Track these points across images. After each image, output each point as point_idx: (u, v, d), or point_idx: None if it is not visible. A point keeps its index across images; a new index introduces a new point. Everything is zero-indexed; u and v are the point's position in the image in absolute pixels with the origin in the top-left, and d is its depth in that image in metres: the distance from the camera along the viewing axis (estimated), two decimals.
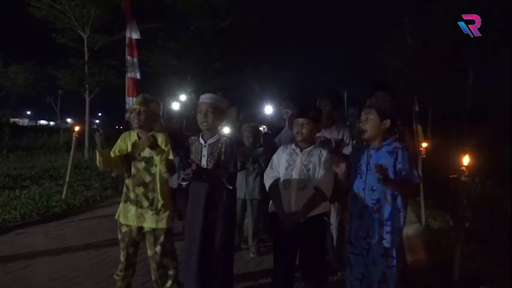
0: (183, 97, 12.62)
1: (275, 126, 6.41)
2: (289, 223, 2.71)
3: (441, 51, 12.42)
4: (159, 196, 2.97)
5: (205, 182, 2.86)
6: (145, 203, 2.98)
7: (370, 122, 2.61)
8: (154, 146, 2.87)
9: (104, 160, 2.99)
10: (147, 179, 2.99)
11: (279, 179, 2.87)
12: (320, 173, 2.75)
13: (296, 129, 2.85)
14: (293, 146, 2.91)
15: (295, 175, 2.78)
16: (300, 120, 2.84)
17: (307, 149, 2.83)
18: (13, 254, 4.25)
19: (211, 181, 2.86)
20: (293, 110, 5.40)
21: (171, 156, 2.99)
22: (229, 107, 5.48)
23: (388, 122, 2.59)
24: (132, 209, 3.01)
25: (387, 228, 2.52)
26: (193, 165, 2.74)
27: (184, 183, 3.00)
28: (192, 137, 3.08)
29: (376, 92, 3.60)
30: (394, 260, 2.54)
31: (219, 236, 2.85)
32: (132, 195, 3.02)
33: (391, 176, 2.50)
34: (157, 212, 2.98)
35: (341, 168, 2.64)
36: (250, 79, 16.30)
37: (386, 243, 2.52)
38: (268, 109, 9.35)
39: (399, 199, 2.54)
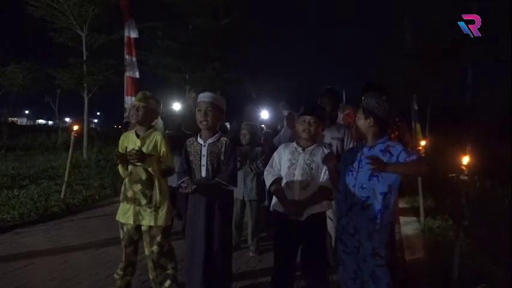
0: (182, 96, 12.62)
1: (274, 127, 6.41)
2: (295, 211, 2.71)
3: (441, 50, 12.43)
4: (157, 192, 2.97)
5: (206, 195, 2.89)
6: (143, 201, 2.98)
7: (358, 121, 2.72)
8: (142, 159, 2.86)
9: (126, 171, 3.03)
10: (144, 176, 2.98)
11: (280, 177, 2.87)
12: (323, 172, 2.75)
13: (303, 127, 2.83)
14: (295, 144, 2.90)
15: (297, 174, 2.77)
16: (307, 118, 2.82)
17: (310, 148, 2.83)
18: (12, 254, 4.23)
19: (212, 192, 2.90)
20: (290, 111, 5.41)
21: (167, 160, 2.99)
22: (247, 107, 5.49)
23: (371, 120, 2.65)
24: (130, 207, 3.00)
25: (376, 226, 2.54)
26: (193, 186, 2.81)
27: (183, 187, 3.00)
28: (190, 138, 3.08)
29: (365, 93, 3.66)
30: (383, 260, 2.53)
31: (220, 236, 2.86)
32: (129, 194, 3.02)
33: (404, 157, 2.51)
34: (155, 209, 2.97)
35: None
36: (249, 79, 16.29)
37: (374, 242, 2.54)
38: (265, 114, 9.27)
39: (389, 197, 2.56)
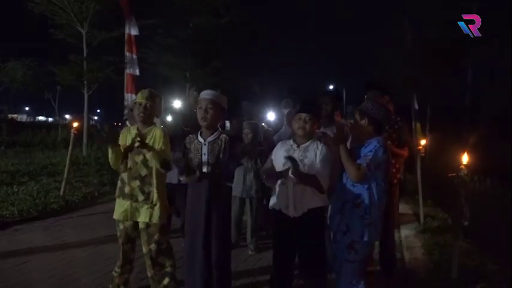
0: (182, 94, 12.59)
1: (279, 128, 6.41)
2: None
3: (441, 50, 12.42)
4: (155, 190, 2.96)
5: (206, 182, 2.86)
6: (141, 197, 2.98)
7: (354, 122, 2.84)
8: (143, 142, 2.87)
9: (116, 157, 2.99)
10: (144, 172, 2.98)
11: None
12: (316, 166, 2.74)
13: (298, 124, 2.83)
14: (291, 141, 2.91)
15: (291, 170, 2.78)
16: (303, 115, 2.83)
17: (304, 145, 2.83)
18: (11, 250, 4.23)
19: (212, 181, 2.87)
20: (290, 109, 5.40)
21: (166, 153, 2.99)
22: (245, 104, 5.48)
23: (366, 121, 2.73)
24: (127, 203, 3.00)
25: (366, 222, 2.60)
26: (197, 172, 2.78)
27: (183, 179, 2.99)
28: (190, 135, 3.07)
29: (368, 92, 3.68)
30: (357, 255, 2.57)
31: (220, 234, 2.86)
32: (127, 189, 3.01)
33: (359, 159, 2.63)
34: (152, 206, 2.97)
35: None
36: (250, 77, 16.30)
37: (366, 237, 2.59)
38: (271, 115, 9.30)
39: (375, 193, 2.61)
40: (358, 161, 2.61)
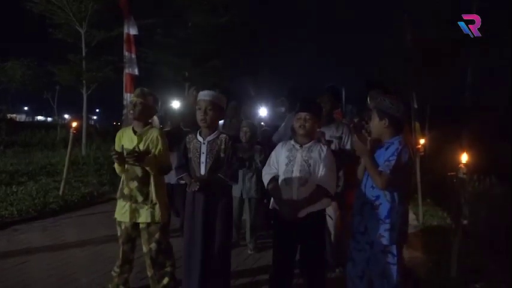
0: (181, 93, 12.58)
1: (273, 124, 6.40)
2: (290, 213, 2.70)
3: (441, 50, 12.43)
4: (153, 189, 2.96)
5: (209, 189, 2.86)
6: (140, 198, 2.97)
7: (372, 122, 2.71)
8: (140, 160, 2.86)
9: (122, 168, 3.01)
10: (140, 173, 2.96)
11: (277, 175, 2.86)
12: (321, 169, 2.74)
13: (299, 124, 2.83)
14: (292, 142, 2.90)
15: (295, 171, 2.77)
16: (303, 114, 2.83)
17: (307, 145, 2.83)
18: (10, 250, 4.22)
19: (214, 188, 2.87)
20: (287, 108, 5.40)
21: (164, 157, 2.99)
22: (230, 103, 5.48)
23: (386, 121, 2.62)
24: (127, 205, 2.99)
25: (386, 226, 2.54)
26: (197, 186, 2.79)
27: (182, 181, 3.00)
28: (190, 135, 3.07)
29: (369, 92, 3.66)
30: (395, 258, 2.54)
31: (219, 234, 2.85)
32: (126, 191, 3.00)
33: (380, 162, 2.54)
34: (152, 206, 2.96)
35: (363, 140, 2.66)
36: (249, 77, 16.32)
37: (385, 241, 2.54)
38: (263, 111, 9.27)
39: (395, 196, 2.55)
40: (380, 168, 2.50)
